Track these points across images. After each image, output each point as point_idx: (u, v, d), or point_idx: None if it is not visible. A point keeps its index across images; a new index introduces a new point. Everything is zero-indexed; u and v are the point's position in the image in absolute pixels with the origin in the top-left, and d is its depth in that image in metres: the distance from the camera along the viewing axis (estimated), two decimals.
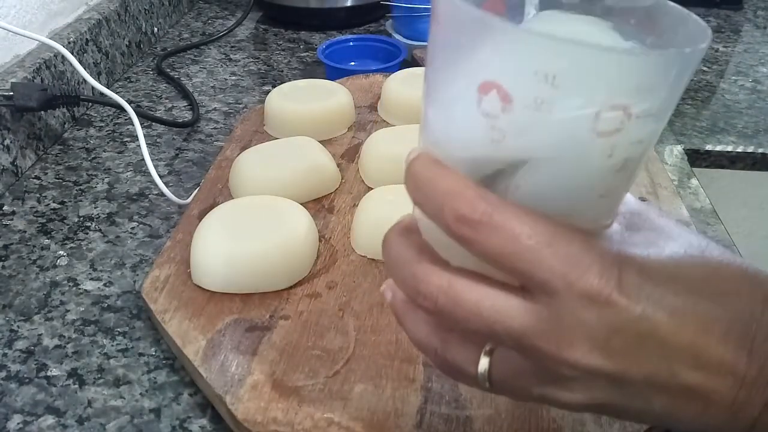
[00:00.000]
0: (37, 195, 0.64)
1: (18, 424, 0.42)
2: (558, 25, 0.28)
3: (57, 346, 0.48)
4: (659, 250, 0.27)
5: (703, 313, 0.26)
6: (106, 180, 0.66)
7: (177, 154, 0.71)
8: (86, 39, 0.79)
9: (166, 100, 0.82)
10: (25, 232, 0.59)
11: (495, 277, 0.27)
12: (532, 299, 0.26)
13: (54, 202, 0.63)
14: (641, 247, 0.27)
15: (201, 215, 0.54)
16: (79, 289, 0.53)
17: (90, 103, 0.78)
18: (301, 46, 0.98)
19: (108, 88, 0.76)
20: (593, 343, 0.25)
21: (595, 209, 0.27)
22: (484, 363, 0.29)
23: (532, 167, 0.25)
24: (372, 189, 0.58)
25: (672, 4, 0.27)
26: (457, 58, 0.26)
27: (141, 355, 0.47)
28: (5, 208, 0.62)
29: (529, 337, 0.26)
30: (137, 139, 0.67)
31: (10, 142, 0.65)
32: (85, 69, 0.70)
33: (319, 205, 0.58)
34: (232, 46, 0.97)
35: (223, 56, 0.94)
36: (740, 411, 0.26)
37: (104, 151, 0.71)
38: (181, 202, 0.62)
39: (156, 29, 0.98)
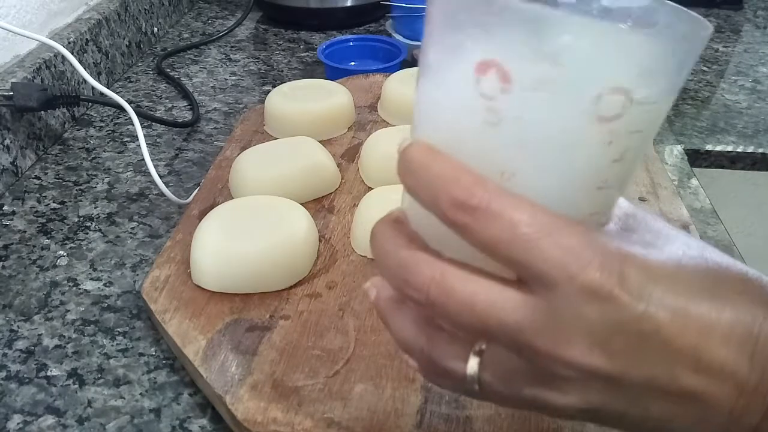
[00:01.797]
0: (37, 195, 0.64)
1: (18, 424, 0.42)
2: None
3: (57, 346, 0.48)
4: (658, 250, 0.26)
5: (704, 315, 0.25)
6: (106, 180, 0.66)
7: (177, 154, 0.71)
8: (86, 39, 0.79)
9: (166, 100, 0.82)
10: (25, 232, 0.59)
11: (489, 271, 0.26)
12: (530, 292, 0.25)
13: (54, 202, 0.63)
14: (640, 246, 0.26)
15: (201, 215, 0.54)
16: (79, 289, 0.53)
17: (90, 103, 0.78)
18: (301, 46, 0.98)
19: (108, 88, 0.76)
20: (593, 340, 0.24)
21: (592, 202, 0.26)
22: (473, 363, 0.27)
23: (528, 153, 0.24)
24: (372, 189, 0.58)
25: (669, 2, 0.27)
26: (455, 35, 0.25)
27: (141, 355, 0.47)
28: (5, 208, 0.62)
29: (525, 332, 0.25)
30: (137, 139, 0.67)
31: (10, 142, 0.65)
32: (85, 69, 0.70)
33: (319, 205, 0.58)
34: (232, 46, 0.97)
35: (223, 56, 0.94)
36: (739, 419, 0.25)
37: (104, 151, 0.71)
38: (181, 202, 0.62)
39: (156, 29, 0.98)
